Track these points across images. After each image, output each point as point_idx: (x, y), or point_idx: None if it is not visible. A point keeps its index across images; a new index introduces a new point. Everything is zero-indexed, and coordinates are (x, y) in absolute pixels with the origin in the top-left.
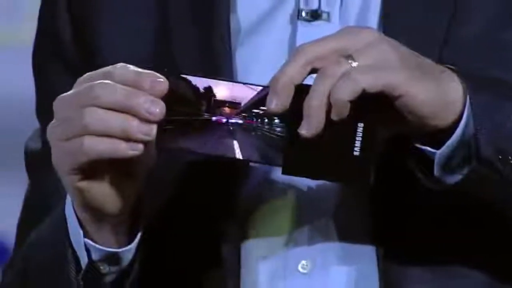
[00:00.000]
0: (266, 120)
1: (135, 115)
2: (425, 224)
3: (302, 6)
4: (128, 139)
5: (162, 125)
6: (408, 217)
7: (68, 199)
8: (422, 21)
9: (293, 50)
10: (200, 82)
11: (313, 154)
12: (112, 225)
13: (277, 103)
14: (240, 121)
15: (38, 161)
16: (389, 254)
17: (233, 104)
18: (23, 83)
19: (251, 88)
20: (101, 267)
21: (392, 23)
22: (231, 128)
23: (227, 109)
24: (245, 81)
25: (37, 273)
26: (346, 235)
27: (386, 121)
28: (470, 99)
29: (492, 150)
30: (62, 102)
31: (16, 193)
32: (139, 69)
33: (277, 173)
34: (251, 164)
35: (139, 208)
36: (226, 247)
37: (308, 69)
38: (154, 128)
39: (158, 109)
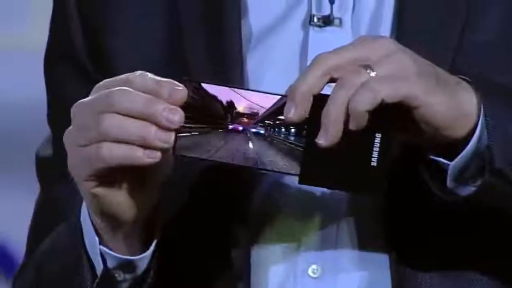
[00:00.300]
0: (283, 129)
1: (154, 122)
2: (437, 230)
3: (314, 11)
4: (146, 146)
5: (179, 132)
6: (421, 222)
7: (84, 207)
8: (435, 29)
9: (311, 60)
10: (218, 91)
11: (330, 164)
12: (127, 232)
13: (295, 112)
14: (257, 130)
15: (49, 169)
16: (402, 259)
17: (251, 113)
18: (28, 87)
19: (269, 97)
20: (116, 275)
21: (404, 31)
22: (248, 136)
23: (244, 118)
24: (256, 87)
25: (51, 281)
26: (358, 240)
27: (402, 132)
28: (484, 110)
29: (505, 161)
30: (80, 108)
31: (19, 196)
32: (158, 78)
33: (289, 178)
34: (267, 173)
35: (155, 216)
36: (237, 251)
37: (327, 78)
38: (172, 136)
39: (177, 117)
